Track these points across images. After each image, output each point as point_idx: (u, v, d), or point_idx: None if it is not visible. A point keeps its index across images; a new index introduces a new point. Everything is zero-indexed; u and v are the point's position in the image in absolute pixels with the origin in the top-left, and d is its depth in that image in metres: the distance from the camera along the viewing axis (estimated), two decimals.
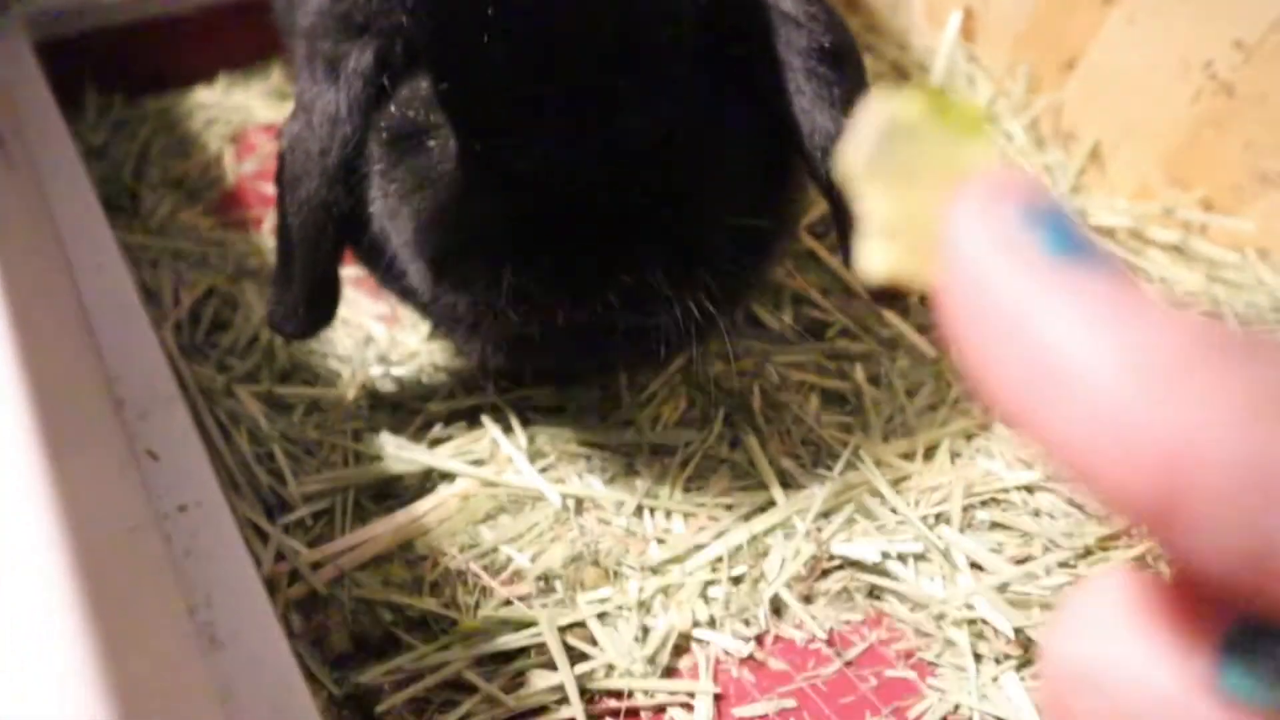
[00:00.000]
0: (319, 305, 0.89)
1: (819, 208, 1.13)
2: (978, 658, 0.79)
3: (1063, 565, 0.82)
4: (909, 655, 0.81)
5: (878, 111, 0.27)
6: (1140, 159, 1.22)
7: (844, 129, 0.73)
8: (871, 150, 0.27)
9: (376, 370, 1.03)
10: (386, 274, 0.84)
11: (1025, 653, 0.79)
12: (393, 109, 0.77)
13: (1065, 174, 1.24)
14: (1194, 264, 1.13)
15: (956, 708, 0.77)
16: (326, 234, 0.83)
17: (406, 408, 0.98)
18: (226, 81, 1.48)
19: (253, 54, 1.50)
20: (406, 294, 0.87)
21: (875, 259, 0.27)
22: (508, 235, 0.72)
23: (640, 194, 0.70)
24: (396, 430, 0.95)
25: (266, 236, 1.22)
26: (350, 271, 1.02)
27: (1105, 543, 0.82)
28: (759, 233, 0.80)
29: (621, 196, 0.70)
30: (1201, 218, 1.16)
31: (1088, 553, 0.82)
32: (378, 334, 1.07)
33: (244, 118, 1.43)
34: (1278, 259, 1.11)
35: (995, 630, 0.80)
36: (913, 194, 0.27)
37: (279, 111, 1.44)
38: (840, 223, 0.82)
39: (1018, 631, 0.78)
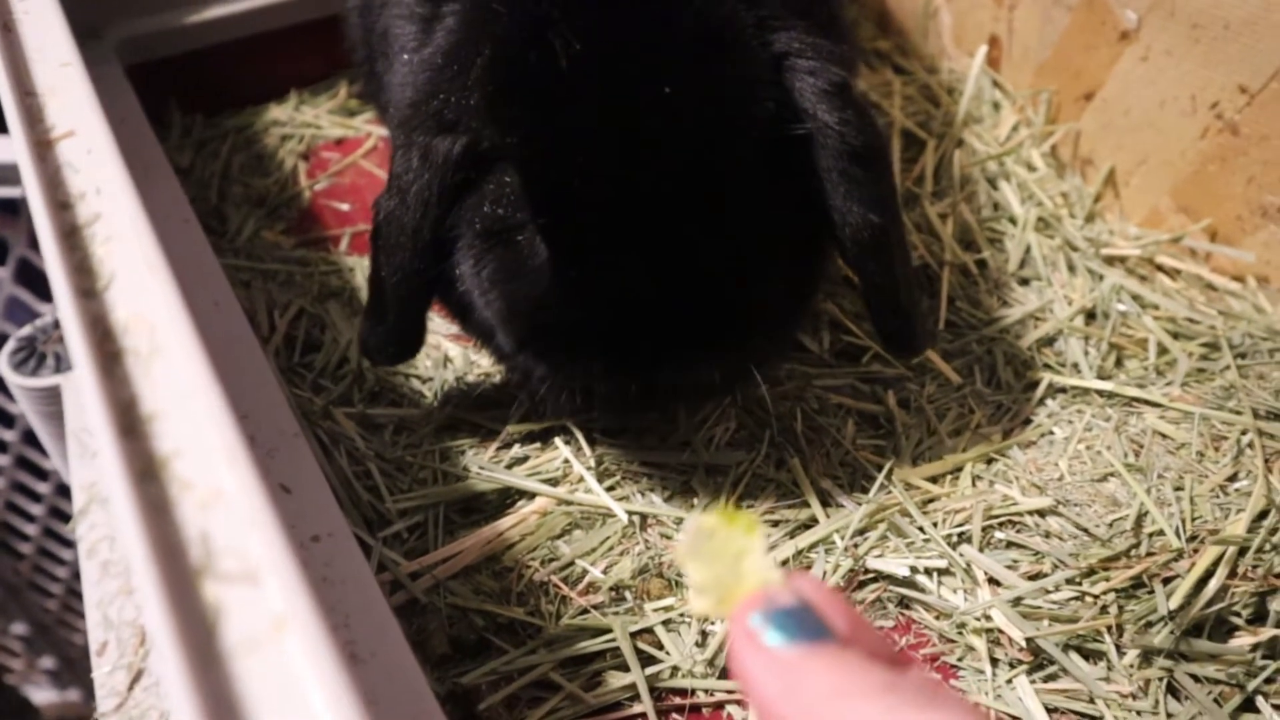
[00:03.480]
0: (408, 341, 1.01)
1: None
2: (994, 662, 0.91)
3: (1069, 582, 0.94)
4: (934, 659, 0.93)
5: (693, 520, 0.51)
6: (1151, 187, 1.32)
7: (871, 222, 0.86)
8: (689, 543, 0.50)
9: (455, 390, 1.14)
10: (476, 330, 0.97)
11: (1036, 659, 0.91)
12: (484, 206, 0.89)
13: (1083, 199, 1.34)
14: (1196, 290, 1.23)
15: (975, 706, 0.89)
16: (418, 292, 0.97)
17: (485, 428, 1.10)
18: (297, 98, 1.59)
19: (320, 72, 1.60)
20: (487, 344, 1.00)
21: (695, 605, 0.49)
22: (589, 329, 0.86)
23: (699, 301, 0.85)
24: (478, 450, 1.07)
25: (344, 256, 1.33)
26: None
27: (1106, 563, 0.94)
28: (793, 309, 0.95)
29: (683, 303, 0.85)
30: (1207, 246, 1.26)
31: (1091, 571, 0.94)
32: (454, 354, 1.18)
33: (314, 133, 1.54)
34: (1275, 289, 1.21)
35: (1010, 639, 0.91)
36: (712, 569, 0.49)
37: (345, 128, 1.55)
38: (868, 296, 0.96)
39: (1029, 640, 0.90)
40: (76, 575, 2.12)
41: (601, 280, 0.84)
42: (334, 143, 1.54)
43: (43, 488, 1.94)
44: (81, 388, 0.56)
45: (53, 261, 0.65)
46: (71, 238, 0.67)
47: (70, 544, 2.05)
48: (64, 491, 1.92)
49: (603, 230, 0.83)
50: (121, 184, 0.70)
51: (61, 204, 0.70)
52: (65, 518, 1.99)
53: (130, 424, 0.55)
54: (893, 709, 0.39)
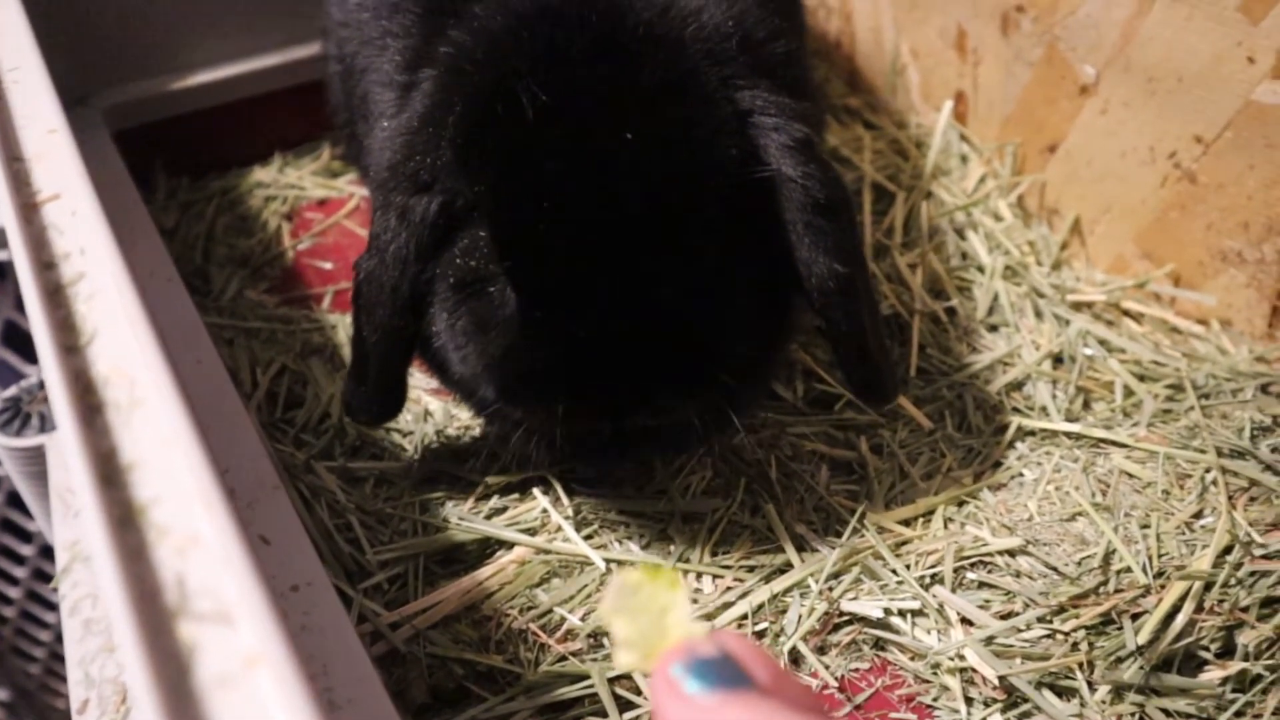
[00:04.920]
0: (390, 400, 1.04)
1: None
2: (969, 701, 0.92)
3: (1040, 620, 0.95)
4: (910, 699, 0.94)
5: (618, 577, 0.52)
6: (1115, 235, 1.35)
7: (837, 272, 0.89)
8: (614, 599, 0.51)
9: (435, 444, 1.16)
10: (453, 384, 0.99)
11: (1009, 697, 0.92)
12: (457, 259, 0.92)
13: (1049, 247, 1.38)
14: (1162, 334, 1.26)
15: None
16: (398, 350, 0.99)
17: (465, 480, 1.11)
18: (281, 160, 1.62)
19: (303, 135, 1.64)
20: (466, 398, 1.02)
21: (620, 659, 0.50)
22: (561, 376, 0.88)
23: (668, 342, 0.87)
24: (457, 501, 1.09)
25: (326, 314, 1.35)
26: None
27: (1076, 601, 0.95)
28: (762, 355, 0.96)
29: (653, 345, 0.86)
30: (1171, 291, 1.29)
31: (1061, 609, 0.95)
32: (434, 408, 1.20)
33: (298, 194, 1.57)
34: (1237, 331, 1.24)
35: (983, 678, 0.93)
36: (637, 624, 0.51)
37: (328, 189, 1.58)
38: (836, 345, 0.98)
39: (1002, 679, 0.91)
40: (60, 639, 2.11)
41: (569, 323, 0.86)
42: (317, 203, 1.57)
43: (26, 550, 1.94)
44: (63, 439, 0.58)
45: (36, 319, 0.67)
46: (55, 296, 0.69)
47: (54, 607, 2.05)
48: (48, 554, 1.91)
49: (570, 274, 0.85)
50: (105, 244, 0.73)
51: (46, 264, 0.72)
52: (49, 580, 1.99)
53: (110, 474, 0.56)
54: None
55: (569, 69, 0.85)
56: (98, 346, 0.65)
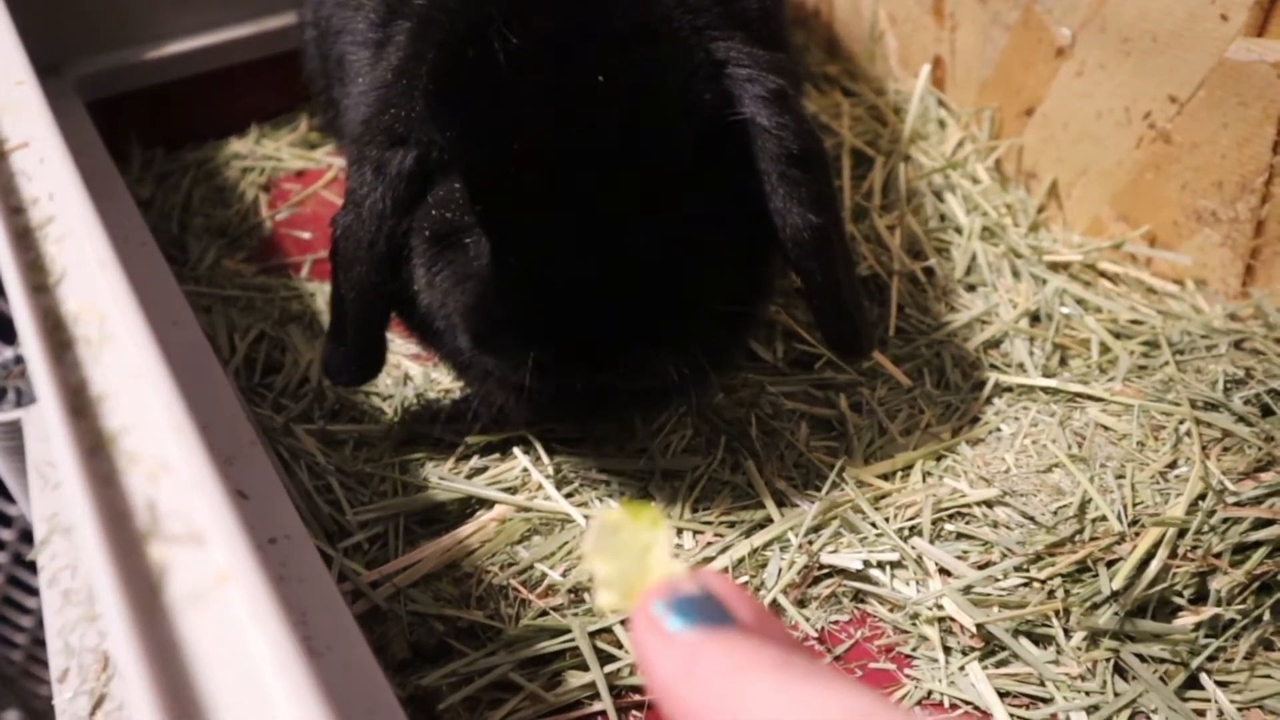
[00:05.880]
0: (368, 360, 1.03)
1: None
2: (947, 650, 0.93)
3: (1017, 569, 0.96)
4: (889, 650, 0.94)
5: (598, 516, 0.50)
6: (1092, 197, 1.36)
7: (811, 223, 0.89)
8: (594, 538, 0.50)
9: (415, 407, 1.16)
10: (432, 341, 0.99)
11: (987, 645, 0.92)
12: (433, 211, 0.91)
13: (1027, 210, 1.38)
14: (1138, 294, 1.26)
15: (930, 693, 0.91)
16: (376, 307, 0.98)
17: (445, 441, 1.11)
18: (258, 132, 1.61)
19: (281, 106, 1.63)
20: (448, 357, 1.02)
21: (601, 599, 0.49)
22: (535, 323, 0.87)
23: (642, 291, 0.86)
24: (438, 461, 1.09)
25: (305, 282, 1.35)
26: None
27: (1052, 549, 0.96)
28: (740, 306, 0.95)
29: (627, 293, 0.86)
30: (1146, 251, 1.30)
31: (1038, 558, 0.96)
32: (414, 373, 1.20)
33: (275, 165, 1.56)
34: (1212, 291, 1.25)
35: (961, 626, 0.93)
36: (618, 563, 0.49)
37: (306, 160, 1.57)
38: (811, 299, 0.98)
39: (980, 627, 0.92)
40: (42, 624, 2.09)
41: (542, 269, 0.85)
42: (295, 174, 1.56)
43: (7, 534, 1.93)
44: (33, 373, 0.58)
45: (5, 261, 0.66)
46: (24, 239, 0.69)
47: (36, 592, 2.03)
48: (29, 539, 1.90)
49: (542, 219, 0.85)
50: (74, 189, 0.72)
51: (15, 209, 0.71)
52: (31, 566, 1.97)
53: (80, 405, 0.56)
54: (786, 681, 0.41)
55: (541, 14, 0.85)
56: (67, 286, 0.65)
